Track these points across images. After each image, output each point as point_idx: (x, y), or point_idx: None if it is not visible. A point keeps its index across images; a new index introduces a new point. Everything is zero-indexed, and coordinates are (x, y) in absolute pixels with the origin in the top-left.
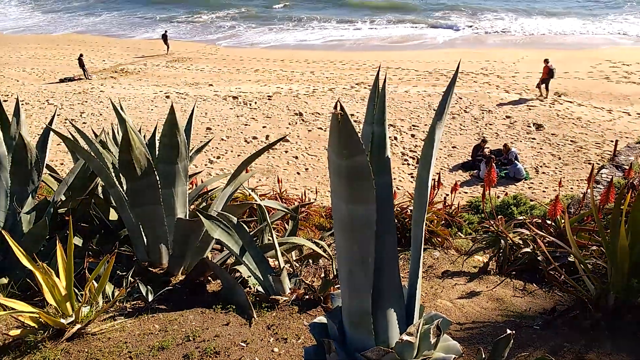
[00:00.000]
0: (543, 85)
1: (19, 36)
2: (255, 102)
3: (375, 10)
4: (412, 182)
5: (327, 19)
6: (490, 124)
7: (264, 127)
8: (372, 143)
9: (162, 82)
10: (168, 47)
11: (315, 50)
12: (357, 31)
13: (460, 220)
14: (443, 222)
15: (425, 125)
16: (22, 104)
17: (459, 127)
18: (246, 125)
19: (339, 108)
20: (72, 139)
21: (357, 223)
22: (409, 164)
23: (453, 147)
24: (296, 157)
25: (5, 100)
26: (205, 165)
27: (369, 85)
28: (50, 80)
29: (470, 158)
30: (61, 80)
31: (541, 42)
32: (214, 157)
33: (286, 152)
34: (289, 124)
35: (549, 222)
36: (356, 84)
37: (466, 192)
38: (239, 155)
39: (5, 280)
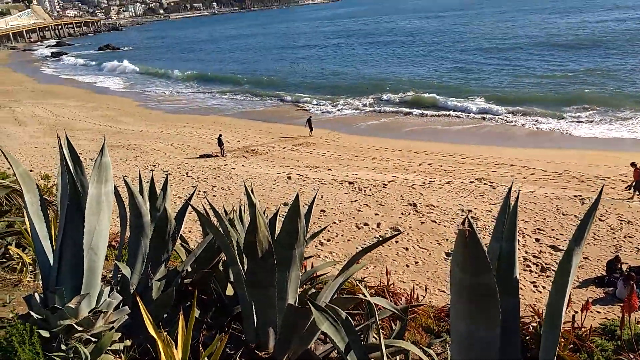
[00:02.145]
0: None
1: (176, 115)
2: (370, 189)
3: (500, 102)
4: (533, 291)
5: (446, 110)
6: (630, 237)
7: (376, 214)
8: (499, 260)
9: (285, 164)
10: (311, 130)
11: (434, 142)
12: (477, 125)
13: (592, 345)
14: (571, 346)
15: (552, 230)
16: (165, 174)
17: (592, 237)
18: (359, 211)
19: (466, 224)
20: (206, 216)
21: (478, 347)
22: (531, 271)
23: (585, 258)
24: (406, 249)
25: (152, 170)
26: (316, 246)
27: (490, 182)
28: (191, 155)
29: (604, 273)
30: (201, 156)
31: None
32: (324, 239)
33: (396, 242)
34: (402, 213)
35: None
36: (476, 179)
37: (599, 312)
38: (348, 240)
39: (129, 343)
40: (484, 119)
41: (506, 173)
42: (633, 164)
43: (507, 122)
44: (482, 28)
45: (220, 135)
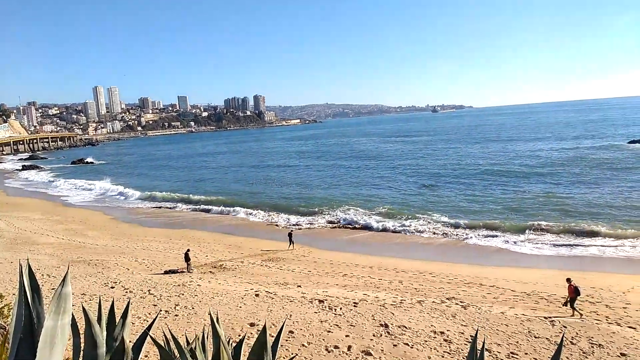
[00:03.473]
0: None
1: (144, 229)
2: (341, 308)
3: (464, 223)
4: None
5: (412, 228)
6: None
7: (347, 335)
8: None
9: (254, 280)
10: (292, 244)
11: (404, 259)
12: (444, 244)
13: None
14: None
15: (526, 354)
16: (126, 292)
17: None
18: (329, 332)
19: None
20: (166, 350)
21: None
22: None
23: None
24: None
25: (112, 287)
26: None
27: (461, 301)
28: (156, 271)
29: None
30: (165, 272)
31: None
32: None
33: None
34: (373, 335)
35: None
36: (447, 299)
37: None
38: None
39: None
40: (448, 237)
41: (476, 292)
42: (568, 280)
43: (473, 241)
44: (443, 152)
45: (188, 250)
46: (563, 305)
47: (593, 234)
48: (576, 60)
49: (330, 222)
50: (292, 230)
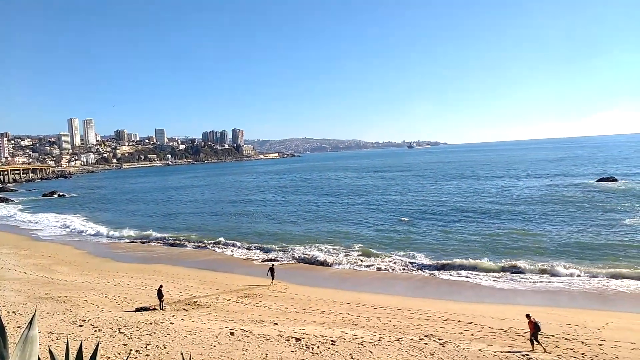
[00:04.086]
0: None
1: (116, 264)
2: (318, 347)
3: (438, 259)
4: None
5: (391, 264)
6: None
7: None
8: None
9: (229, 318)
10: (273, 278)
11: (382, 295)
12: (421, 280)
13: None
14: None
15: None
16: (95, 331)
17: None
18: None
19: None
20: None
21: None
22: None
23: None
24: None
25: (80, 325)
26: None
27: (439, 339)
28: (127, 308)
29: None
30: (137, 310)
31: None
32: None
33: None
34: None
35: None
36: (425, 336)
37: None
38: None
39: None
40: (425, 273)
41: (454, 329)
42: (528, 316)
43: (449, 278)
44: (418, 188)
45: (161, 286)
46: (530, 343)
47: (566, 270)
48: (547, 102)
49: (307, 257)
50: (273, 265)
